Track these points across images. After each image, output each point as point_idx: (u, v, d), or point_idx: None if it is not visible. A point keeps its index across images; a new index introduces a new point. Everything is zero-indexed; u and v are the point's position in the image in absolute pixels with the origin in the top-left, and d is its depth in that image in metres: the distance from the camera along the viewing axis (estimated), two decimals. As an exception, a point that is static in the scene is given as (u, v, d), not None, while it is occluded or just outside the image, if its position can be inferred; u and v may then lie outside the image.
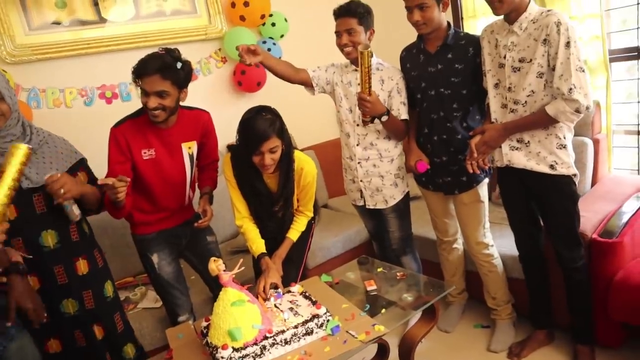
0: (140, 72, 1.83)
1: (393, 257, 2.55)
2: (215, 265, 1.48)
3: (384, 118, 2.16)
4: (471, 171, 2.05)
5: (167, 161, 2.00)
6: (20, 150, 1.44)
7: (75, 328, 1.85)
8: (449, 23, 2.14)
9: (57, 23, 2.82)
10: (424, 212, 2.96)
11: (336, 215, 3.34)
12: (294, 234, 2.15)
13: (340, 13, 2.19)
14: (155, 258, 2.12)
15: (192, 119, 2.07)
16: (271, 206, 2.09)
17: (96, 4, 2.92)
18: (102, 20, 2.95)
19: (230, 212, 3.10)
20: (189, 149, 2.06)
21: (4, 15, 2.66)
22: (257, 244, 2.07)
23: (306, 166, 2.06)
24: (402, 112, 2.27)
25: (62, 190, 1.62)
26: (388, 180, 2.37)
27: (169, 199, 2.09)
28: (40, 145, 1.76)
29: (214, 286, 2.27)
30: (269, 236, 2.14)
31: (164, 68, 1.81)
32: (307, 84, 2.37)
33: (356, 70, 2.26)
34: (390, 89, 2.26)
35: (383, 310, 1.77)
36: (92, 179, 1.91)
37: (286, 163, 2.01)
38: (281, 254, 2.10)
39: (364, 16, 2.17)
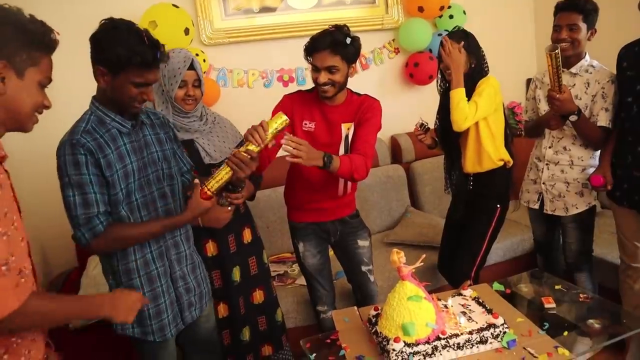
0: (312, 48, 1.89)
1: (560, 273, 2.36)
2: (398, 257, 1.46)
3: (573, 118, 2.03)
4: None
5: (325, 136, 1.99)
6: (281, 119, 1.59)
7: (239, 295, 2.02)
8: None
9: (249, 9, 3.04)
10: (603, 230, 2.69)
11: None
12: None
13: (565, 7, 2.07)
14: (301, 247, 2.16)
15: (357, 103, 2.02)
16: None
17: (284, -10, 3.09)
18: (288, 7, 3.10)
19: (388, 205, 3.14)
20: (347, 129, 2.02)
21: (206, 1, 2.93)
22: None
23: None
24: (601, 118, 2.07)
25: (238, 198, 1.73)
26: (574, 188, 2.21)
27: (322, 179, 2.03)
28: (214, 124, 1.94)
29: (356, 289, 2.27)
30: None
31: (333, 44, 1.84)
32: None
33: (563, 71, 2.10)
34: (595, 93, 2.09)
35: (565, 333, 1.61)
36: None
37: None
38: None
39: (590, 13, 2.04)
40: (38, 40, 1.12)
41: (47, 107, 1.20)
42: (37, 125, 2.76)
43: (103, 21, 1.42)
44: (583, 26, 2.04)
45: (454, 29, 2.22)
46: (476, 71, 2.11)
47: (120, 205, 1.49)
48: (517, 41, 3.64)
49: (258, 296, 2.08)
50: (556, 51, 1.86)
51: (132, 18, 1.49)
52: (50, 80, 1.19)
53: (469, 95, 2.09)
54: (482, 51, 2.16)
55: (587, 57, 2.15)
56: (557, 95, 1.98)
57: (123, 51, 1.36)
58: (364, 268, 2.18)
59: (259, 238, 2.13)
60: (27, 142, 2.62)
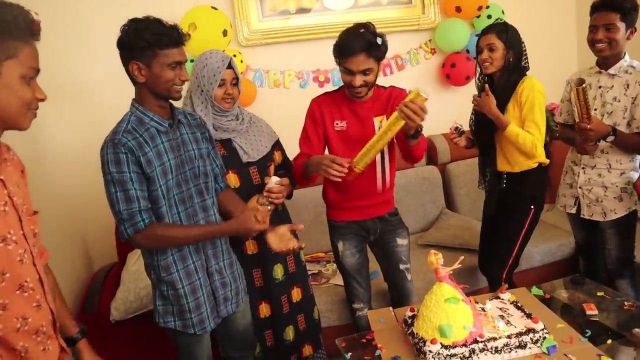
0: (346, 52, 1.83)
1: (603, 278, 2.30)
2: (435, 259, 1.45)
3: (610, 139, 1.98)
4: None
5: (358, 133, 1.99)
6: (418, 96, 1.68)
7: (282, 293, 2.04)
8: None
9: (285, 10, 3.07)
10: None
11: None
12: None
13: (601, 6, 1.99)
14: (340, 246, 2.15)
15: (386, 95, 2.02)
16: None
17: (320, -8, 3.10)
18: (324, 8, 3.12)
19: (423, 207, 3.12)
20: (380, 122, 2.00)
21: (244, 3, 2.97)
22: None
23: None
24: None
25: (279, 197, 1.83)
26: (612, 193, 2.14)
27: (360, 176, 2.00)
28: (250, 124, 1.98)
29: (392, 287, 2.26)
30: None
31: (369, 47, 1.81)
32: None
33: (600, 72, 2.07)
34: (635, 95, 2.02)
35: (609, 341, 1.57)
36: (285, 157, 2.10)
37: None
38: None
39: (629, 12, 1.95)
40: (11, 28, 0.96)
41: (42, 100, 1.06)
42: (82, 123, 2.88)
43: (123, 26, 1.50)
44: (621, 25, 1.96)
45: (495, 21, 2.20)
46: (513, 66, 2.09)
47: (161, 200, 1.55)
48: (558, 41, 3.55)
49: (296, 294, 2.10)
50: (583, 86, 1.83)
51: (172, 21, 1.55)
52: (37, 71, 1.04)
53: (507, 93, 2.09)
54: (524, 46, 2.12)
55: (627, 57, 2.06)
56: (589, 126, 1.93)
57: (150, 36, 1.44)
58: (401, 266, 2.17)
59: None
60: (71, 140, 2.73)
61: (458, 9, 3.12)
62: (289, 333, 2.08)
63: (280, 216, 2.03)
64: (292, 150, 2.32)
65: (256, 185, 1.93)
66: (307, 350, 2.16)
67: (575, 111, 2.12)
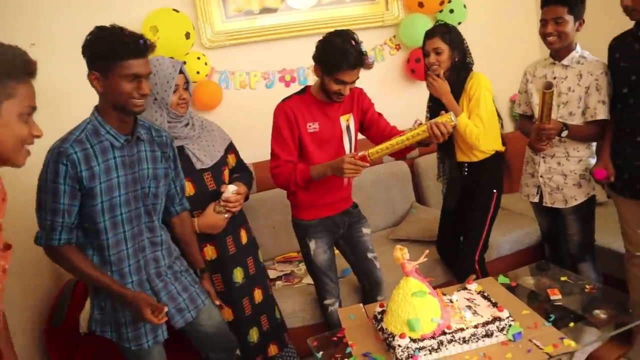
0: (342, 66, 1.86)
1: (567, 263, 2.37)
2: (401, 254, 1.47)
3: (564, 134, 2.09)
4: None
5: (329, 133, 2.07)
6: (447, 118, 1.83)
7: (243, 296, 2.04)
8: None
9: (249, 11, 3.05)
10: (608, 219, 2.66)
11: (504, 213, 3.14)
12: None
13: (550, 0, 2.05)
14: (312, 244, 2.18)
15: (349, 94, 2.05)
16: None
17: (283, -9, 3.09)
18: (288, 7, 3.11)
19: (392, 202, 3.15)
20: (346, 120, 2.12)
21: (206, 5, 2.94)
22: None
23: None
24: (599, 111, 2.07)
25: (236, 206, 1.91)
26: (571, 180, 2.21)
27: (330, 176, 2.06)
28: (202, 129, 1.96)
29: (363, 277, 2.31)
30: None
31: (362, 59, 1.90)
32: None
33: (554, 63, 2.16)
34: (588, 85, 2.09)
35: (571, 324, 1.62)
36: (239, 160, 2.10)
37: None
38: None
39: (576, 5, 2.02)
40: (9, 69, 1.01)
41: (37, 137, 1.09)
42: (49, 132, 2.78)
43: (88, 34, 1.47)
44: (570, 18, 2.02)
45: (436, 22, 2.26)
46: (459, 65, 2.18)
47: (100, 216, 1.51)
48: (519, 33, 3.61)
49: (257, 296, 2.10)
50: (552, 89, 1.90)
51: (133, 24, 1.53)
52: (33, 109, 1.07)
53: (458, 90, 2.17)
54: (466, 44, 2.22)
55: (578, 48, 2.13)
56: (550, 126, 2.03)
57: (107, 45, 1.41)
58: (369, 255, 2.26)
59: (254, 238, 2.17)
60: (39, 148, 2.66)
61: (421, 5, 3.15)
62: (253, 335, 2.07)
63: (236, 219, 2.02)
64: (259, 150, 2.32)
65: (211, 191, 1.92)
66: (273, 349, 2.16)
67: (536, 110, 2.18)
